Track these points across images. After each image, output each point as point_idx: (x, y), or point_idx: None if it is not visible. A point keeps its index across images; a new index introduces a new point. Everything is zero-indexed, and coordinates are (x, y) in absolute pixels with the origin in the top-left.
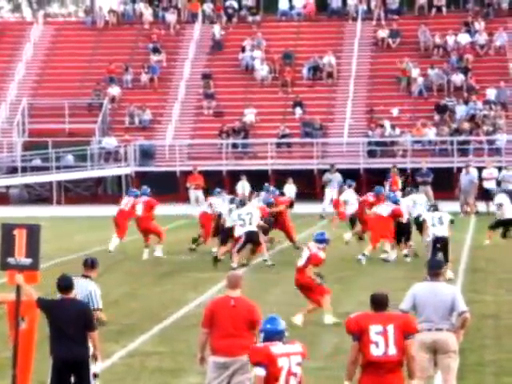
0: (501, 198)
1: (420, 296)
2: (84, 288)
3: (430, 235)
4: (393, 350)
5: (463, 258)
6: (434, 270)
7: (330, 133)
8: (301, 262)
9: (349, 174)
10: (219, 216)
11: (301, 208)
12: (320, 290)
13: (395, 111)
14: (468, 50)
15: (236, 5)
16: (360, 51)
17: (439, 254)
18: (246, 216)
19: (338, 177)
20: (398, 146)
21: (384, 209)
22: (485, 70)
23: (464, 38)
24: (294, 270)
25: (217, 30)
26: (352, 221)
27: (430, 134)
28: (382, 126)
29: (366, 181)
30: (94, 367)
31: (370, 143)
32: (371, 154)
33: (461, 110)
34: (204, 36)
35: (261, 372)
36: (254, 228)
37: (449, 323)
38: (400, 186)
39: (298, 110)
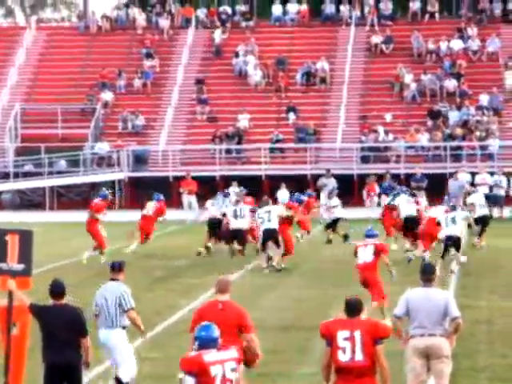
0: (474, 197)
1: (413, 301)
2: (115, 290)
3: (442, 235)
4: (359, 356)
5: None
6: (427, 276)
7: (323, 138)
8: (368, 259)
9: (342, 180)
10: (223, 215)
11: None
12: (380, 290)
13: (388, 117)
14: (461, 56)
15: (230, 10)
16: (353, 57)
17: (451, 251)
18: (264, 214)
19: (332, 182)
20: (392, 152)
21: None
22: (477, 76)
23: (457, 44)
24: (358, 268)
25: (217, 35)
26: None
27: (423, 139)
28: (375, 131)
29: (360, 186)
30: (122, 374)
31: (363, 149)
32: (364, 159)
33: (454, 116)
34: (197, 41)
35: (190, 381)
36: (273, 225)
37: (442, 328)
38: (377, 191)
39: (292, 116)
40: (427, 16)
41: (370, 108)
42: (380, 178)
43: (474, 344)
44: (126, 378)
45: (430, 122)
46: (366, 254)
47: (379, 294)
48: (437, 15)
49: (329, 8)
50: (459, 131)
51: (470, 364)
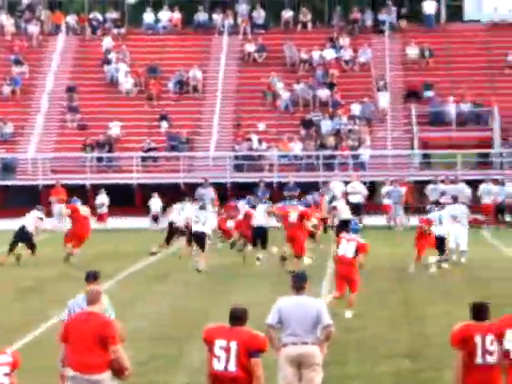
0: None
1: (285, 310)
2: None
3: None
4: (233, 367)
5: (328, 269)
6: (298, 284)
7: (196, 147)
8: (349, 254)
9: (216, 188)
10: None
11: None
12: (355, 285)
13: (262, 125)
14: (333, 66)
15: (100, 17)
16: (226, 65)
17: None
18: (201, 216)
19: (211, 192)
20: (265, 161)
21: None
22: (350, 86)
23: (329, 54)
24: (337, 262)
25: (107, 42)
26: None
27: (296, 148)
28: (248, 140)
29: (233, 195)
30: None
31: (236, 157)
32: (238, 168)
33: (326, 125)
34: (68, 48)
35: None
36: (204, 229)
37: (313, 336)
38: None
39: (164, 124)
40: (300, 25)
41: (244, 117)
42: (254, 186)
43: (345, 352)
44: None
45: (302, 131)
46: (348, 249)
47: (354, 287)
48: (309, 25)
49: (201, 16)
50: (331, 140)
51: (341, 372)
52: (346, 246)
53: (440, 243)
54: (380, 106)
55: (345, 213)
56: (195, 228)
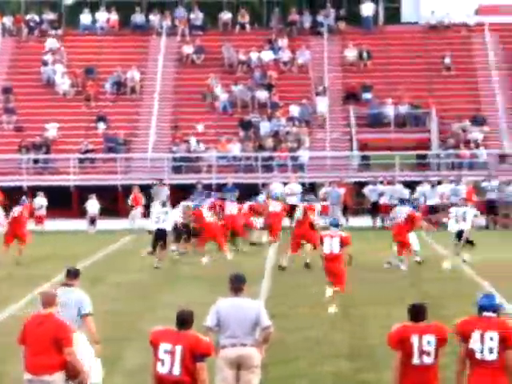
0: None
1: (224, 311)
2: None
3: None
4: (177, 370)
5: (266, 273)
6: (236, 285)
7: (134, 148)
8: (335, 250)
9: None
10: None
11: (104, 224)
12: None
13: (200, 127)
14: (272, 67)
15: (37, 18)
16: (164, 67)
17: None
18: (161, 214)
19: (165, 191)
20: (203, 162)
21: None
22: (288, 87)
23: (267, 55)
24: (325, 260)
25: (51, 43)
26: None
27: (235, 149)
28: (186, 141)
29: (172, 196)
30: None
31: (174, 159)
32: (176, 169)
33: (265, 127)
34: (4, 49)
35: None
36: (166, 226)
37: (252, 338)
38: (143, 202)
39: (102, 125)
40: (238, 27)
41: (182, 118)
42: (192, 187)
43: (285, 352)
44: (94, 380)
45: (241, 133)
46: (333, 245)
47: (341, 282)
48: (247, 26)
49: (139, 17)
50: (270, 142)
51: (280, 373)
52: (331, 242)
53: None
54: (319, 112)
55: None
56: (157, 226)
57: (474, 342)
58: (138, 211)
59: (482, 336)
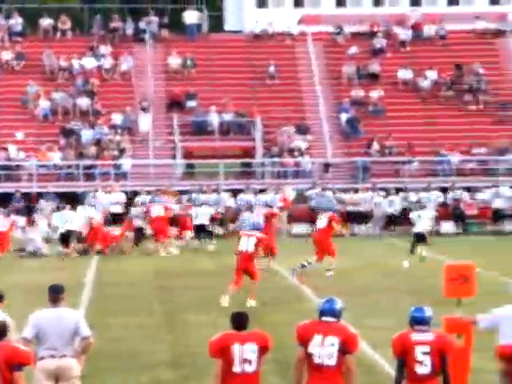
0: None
1: (43, 322)
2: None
3: None
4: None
5: (88, 280)
6: (55, 295)
7: None
8: (250, 249)
9: None
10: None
11: None
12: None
13: (20, 135)
14: (94, 74)
15: None
16: None
17: None
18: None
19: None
20: (23, 171)
21: None
22: (111, 95)
23: (89, 62)
24: (238, 257)
25: None
26: None
27: (56, 157)
28: (5, 149)
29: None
30: None
31: None
32: None
33: (87, 134)
34: None
35: None
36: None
37: (72, 349)
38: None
39: None
40: (59, 33)
41: (1, 126)
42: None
43: (105, 362)
44: None
45: (62, 141)
46: (249, 244)
47: (256, 277)
48: (69, 33)
49: None
50: (92, 150)
51: (98, 383)
52: (247, 242)
53: None
54: (141, 130)
55: None
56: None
57: (314, 347)
58: None
59: (322, 340)
